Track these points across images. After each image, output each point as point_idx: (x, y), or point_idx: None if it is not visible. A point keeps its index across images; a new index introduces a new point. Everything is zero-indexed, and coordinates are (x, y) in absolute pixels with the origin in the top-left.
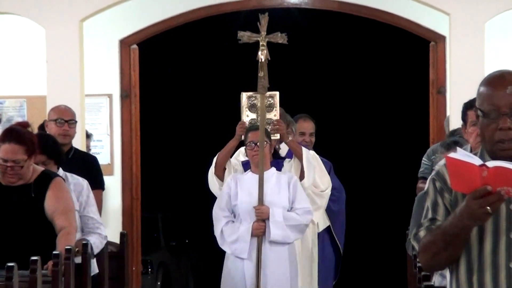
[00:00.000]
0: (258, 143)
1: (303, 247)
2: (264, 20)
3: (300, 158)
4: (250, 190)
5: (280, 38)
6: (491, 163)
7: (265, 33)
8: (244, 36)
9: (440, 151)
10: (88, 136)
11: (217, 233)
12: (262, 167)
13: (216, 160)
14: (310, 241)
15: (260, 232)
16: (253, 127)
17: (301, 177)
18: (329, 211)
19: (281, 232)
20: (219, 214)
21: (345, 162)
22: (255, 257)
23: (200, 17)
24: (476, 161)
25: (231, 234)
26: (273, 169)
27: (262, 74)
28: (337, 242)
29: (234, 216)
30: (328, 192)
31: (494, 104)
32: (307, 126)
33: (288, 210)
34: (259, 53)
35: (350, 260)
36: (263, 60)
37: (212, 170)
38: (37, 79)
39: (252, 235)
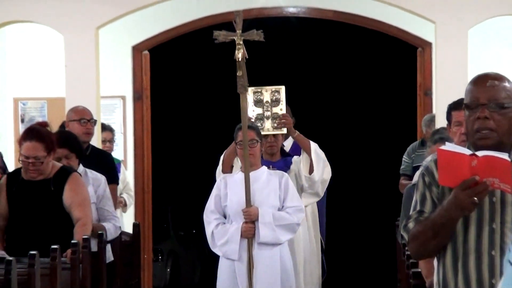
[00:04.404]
0: (252, 142)
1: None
2: (239, 18)
3: (308, 152)
4: (239, 190)
5: (256, 35)
6: (481, 153)
7: (241, 31)
8: (220, 35)
9: (428, 146)
10: (110, 129)
11: (208, 236)
12: (248, 167)
13: (223, 159)
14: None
15: (249, 233)
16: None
17: (310, 170)
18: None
19: (270, 233)
20: (209, 217)
21: (338, 157)
22: (245, 258)
23: (207, 25)
24: (466, 151)
25: (221, 236)
26: (264, 168)
27: (241, 73)
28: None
29: (225, 218)
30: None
31: (475, 96)
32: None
33: (279, 209)
34: (236, 52)
35: (343, 249)
36: (240, 59)
37: (219, 168)
38: (57, 82)
39: (242, 237)
